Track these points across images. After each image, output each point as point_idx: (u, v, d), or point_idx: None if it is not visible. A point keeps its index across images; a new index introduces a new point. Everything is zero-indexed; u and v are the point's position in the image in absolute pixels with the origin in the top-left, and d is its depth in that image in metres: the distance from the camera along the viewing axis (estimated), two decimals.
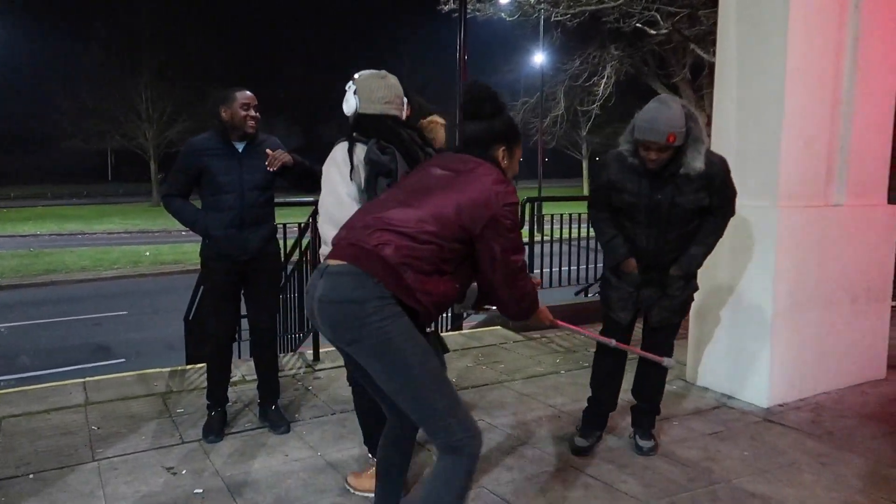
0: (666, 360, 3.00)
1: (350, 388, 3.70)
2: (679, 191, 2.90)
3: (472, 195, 1.92)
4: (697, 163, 2.83)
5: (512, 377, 4.35)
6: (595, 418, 3.27)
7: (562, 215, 6.29)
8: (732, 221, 3.97)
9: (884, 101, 4.18)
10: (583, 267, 6.26)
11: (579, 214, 6.10)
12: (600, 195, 3.11)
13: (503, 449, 3.23)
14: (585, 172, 37.00)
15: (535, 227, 6.85)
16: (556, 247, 6.15)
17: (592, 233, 6.19)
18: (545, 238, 6.33)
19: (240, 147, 3.32)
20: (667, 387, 4.13)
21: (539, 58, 22.13)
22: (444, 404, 1.89)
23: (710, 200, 2.96)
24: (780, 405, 3.81)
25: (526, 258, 2.24)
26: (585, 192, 35.94)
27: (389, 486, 2.28)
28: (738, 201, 3.98)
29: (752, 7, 3.88)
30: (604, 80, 21.56)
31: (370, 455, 2.83)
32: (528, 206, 5.93)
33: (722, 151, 4.08)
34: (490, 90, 2.13)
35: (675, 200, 2.91)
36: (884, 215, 4.25)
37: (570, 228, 6.17)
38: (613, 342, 2.86)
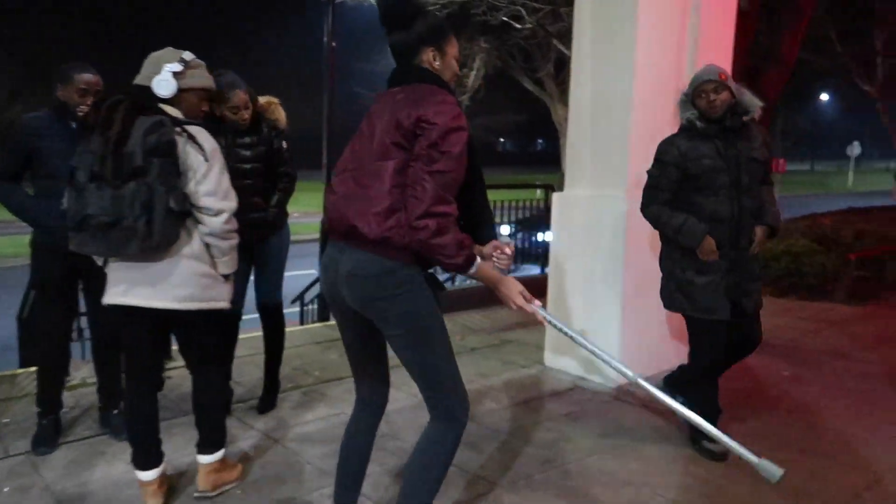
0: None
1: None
2: (750, 145, 3.02)
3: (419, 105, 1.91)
4: (757, 100, 3.00)
5: None
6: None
7: None
8: (586, 209, 4.17)
9: None
10: None
11: None
12: (665, 178, 3.08)
13: None
14: None
15: None
16: None
17: None
18: None
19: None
20: (525, 371, 4.29)
21: None
22: (450, 372, 2.02)
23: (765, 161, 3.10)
24: (629, 384, 4.04)
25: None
26: None
27: (351, 478, 2.27)
28: (592, 190, 4.19)
29: (605, 7, 4.05)
30: (473, 72, 22.02)
31: (138, 470, 2.57)
32: None
33: (577, 143, 4.27)
34: None
35: (751, 155, 3.01)
36: None
37: None
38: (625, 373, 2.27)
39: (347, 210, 1.95)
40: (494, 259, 2.13)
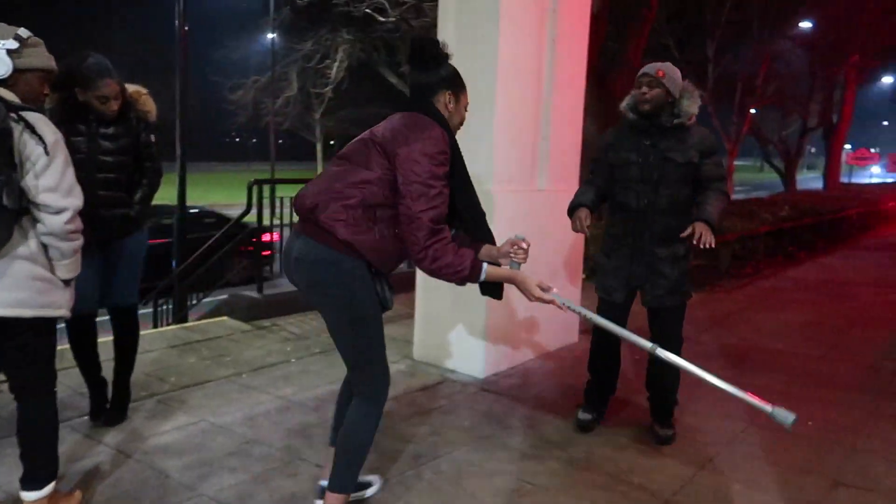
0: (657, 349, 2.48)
1: None
2: (672, 147, 3.06)
3: (401, 132, 2.17)
4: (693, 108, 3.06)
5: (239, 370, 4.12)
6: (596, 398, 3.42)
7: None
8: None
9: (575, 97, 4.73)
10: None
11: None
12: (595, 164, 3.33)
13: (227, 450, 3.02)
14: (320, 155, 36.80)
15: (271, 210, 6.57)
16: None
17: None
18: (280, 222, 6.05)
19: None
20: (395, 366, 4.27)
21: (270, 36, 21.35)
22: (379, 357, 2.26)
23: (702, 164, 3.08)
24: (495, 374, 4.15)
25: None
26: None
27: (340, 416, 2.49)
28: None
29: (468, 3, 4.10)
30: (336, 64, 21.75)
31: None
32: (255, 188, 5.65)
33: None
34: (432, 40, 2.29)
35: (668, 155, 3.05)
36: None
37: None
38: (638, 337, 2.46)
39: (311, 193, 2.18)
40: (511, 255, 2.32)
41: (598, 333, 3.31)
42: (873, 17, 17.52)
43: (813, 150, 54.73)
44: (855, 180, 32.88)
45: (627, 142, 3.15)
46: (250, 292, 5.56)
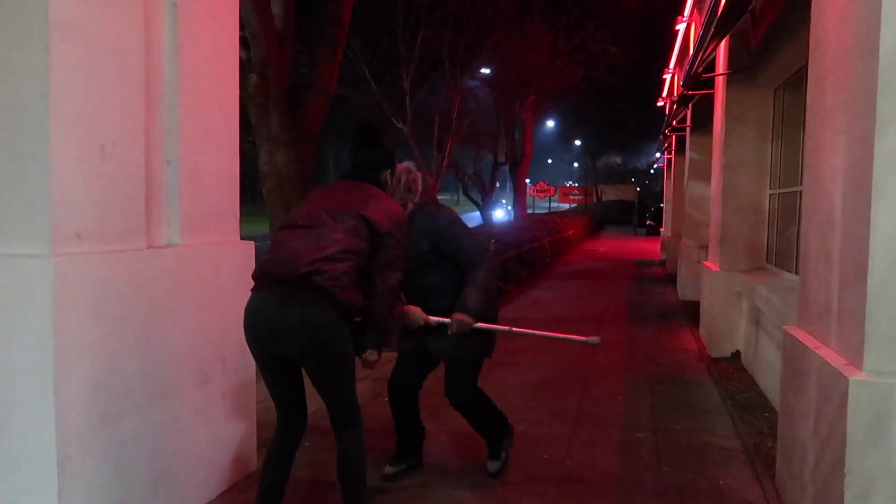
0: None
1: None
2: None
3: (380, 210, 2.56)
4: (410, 203, 3.13)
5: None
6: (407, 449, 3.38)
7: None
8: None
9: (227, 96, 3.11)
10: None
11: None
12: None
13: None
14: None
15: None
16: None
17: None
18: None
19: None
20: None
21: None
22: (353, 396, 2.55)
23: (441, 249, 3.14)
24: None
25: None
26: None
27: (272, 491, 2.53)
28: None
29: None
30: None
31: None
32: None
33: None
34: (373, 125, 2.86)
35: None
36: (237, 255, 3.16)
37: None
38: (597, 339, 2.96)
39: (301, 259, 2.35)
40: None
41: (394, 391, 3.27)
42: (541, 66, 19.02)
43: (498, 184, 60.41)
44: (535, 211, 36.42)
45: None
46: None
